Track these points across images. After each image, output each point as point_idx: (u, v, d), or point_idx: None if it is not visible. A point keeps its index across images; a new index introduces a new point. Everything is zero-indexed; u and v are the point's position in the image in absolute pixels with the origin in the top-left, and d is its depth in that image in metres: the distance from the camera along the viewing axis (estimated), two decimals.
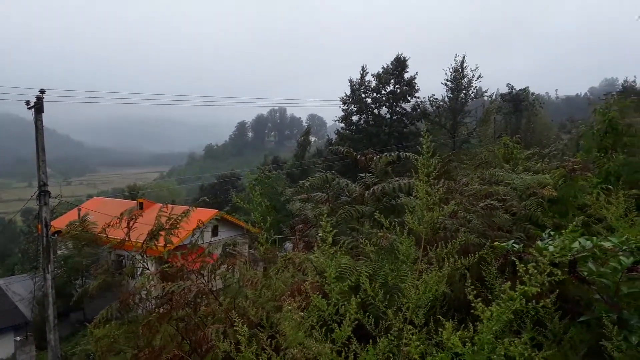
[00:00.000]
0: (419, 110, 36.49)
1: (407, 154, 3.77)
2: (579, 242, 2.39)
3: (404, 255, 2.32)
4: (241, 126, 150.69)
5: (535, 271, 1.55)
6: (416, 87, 36.30)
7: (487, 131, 25.97)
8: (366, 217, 3.76)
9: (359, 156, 4.29)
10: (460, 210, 3.83)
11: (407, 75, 36.14)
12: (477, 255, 2.49)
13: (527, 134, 27.21)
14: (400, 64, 35.77)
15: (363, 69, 37.17)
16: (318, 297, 2.20)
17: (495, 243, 2.74)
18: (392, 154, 3.31)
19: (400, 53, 36.15)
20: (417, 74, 36.12)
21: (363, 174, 4.23)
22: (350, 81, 37.34)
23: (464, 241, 3.41)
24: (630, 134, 6.11)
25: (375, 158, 4.08)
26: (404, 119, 36.74)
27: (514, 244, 2.63)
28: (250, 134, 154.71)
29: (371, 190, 3.84)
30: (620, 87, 39.75)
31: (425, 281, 1.95)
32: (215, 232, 20.25)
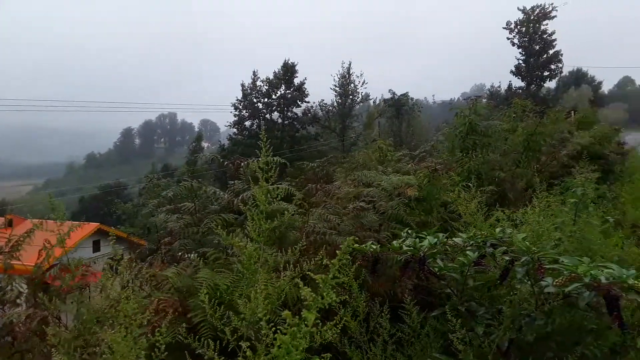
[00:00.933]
0: (309, 114, 37.25)
1: (277, 158, 3.69)
2: (428, 240, 2.47)
3: (245, 265, 2.21)
4: (127, 133, 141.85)
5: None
6: (306, 92, 37.06)
7: (372, 134, 27.24)
8: (235, 226, 3.61)
9: (226, 163, 4.13)
10: (331, 214, 3.84)
11: (297, 81, 36.74)
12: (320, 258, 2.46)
13: (407, 137, 29.05)
14: (289, 69, 36.28)
15: (254, 73, 37.11)
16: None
17: (355, 245, 2.74)
18: (260, 159, 3.21)
19: (287, 59, 36.70)
20: (306, 79, 36.90)
21: (233, 182, 4.09)
22: (242, 86, 37.05)
23: (328, 243, 3.43)
24: (488, 135, 6.67)
25: (243, 164, 3.98)
26: (295, 123, 37.27)
27: (372, 244, 2.66)
28: (137, 141, 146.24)
29: (240, 197, 3.71)
30: (487, 92, 44.27)
31: (258, 292, 1.84)
32: (97, 247, 18.82)
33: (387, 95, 36.11)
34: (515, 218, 3.84)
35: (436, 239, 2.45)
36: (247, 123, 37.18)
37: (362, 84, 36.51)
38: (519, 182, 6.00)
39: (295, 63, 36.76)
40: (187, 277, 2.57)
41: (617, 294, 1.85)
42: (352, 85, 36.51)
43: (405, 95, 35.94)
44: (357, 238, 2.03)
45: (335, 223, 3.78)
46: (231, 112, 37.19)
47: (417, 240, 2.50)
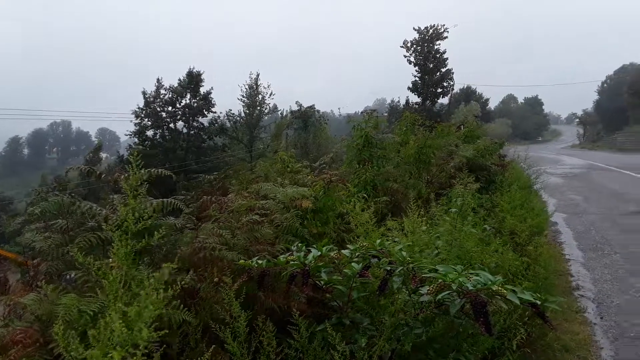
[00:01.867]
0: (216, 125, 36.46)
1: (162, 170, 3.49)
2: (313, 253, 2.46)
3: (108, 290, 2.02)
4: (14, 142, 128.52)
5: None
6: (213, 102, 36.26)
7: (280, 145, 27.30)
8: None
9: (102, 175, 3.83)
10: (223, 228, 3.71)
11: (203, 90, 35.84)
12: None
13: (314, 148, 29.52)
14: (194, 78, 35.30)
15: (158, 80, 35.57)
16: None
17: (241, 261, 2.66)
18: (144, 171, 3.00)
19: (192, 67, 35.69)
20: (212, 88, 36.13)
21: (112, 196, 3.80)
22: (144, 94, 35.28)
23: (219, 259, 3.30)
24: (383, 147, 6.92)
25: (124, 177, 3.71)
26: (201, 133, 36.25)
27: (258, 260, 2.59)
28: (26, 151, 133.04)
29: (105, 216, 3.43)
30: (388, 106, 46.65)
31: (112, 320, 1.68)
32: None
33: (295, 107, 36.51)
34: (405, 227, 3.99)
35: (320, 252, 2.44)
36: (150, 132, 35.44)
37: (270, 95, 36.60)
38: (410, 193, 6.28)
39: (201, 72, 35.89)
40: (49, 304, 2.31)
41: (484, 300, 1.95)
42: (260, 96, 36.43)
43: (311, 107, 36.55)
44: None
45: (227, 238, 3.65)
46: (132, 120, 35.25)
47: (302, 254, 2.48)
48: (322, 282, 2.54)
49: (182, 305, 2.33)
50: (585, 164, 23.67)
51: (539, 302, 1.98)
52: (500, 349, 2.77)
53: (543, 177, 12.14)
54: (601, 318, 3.94)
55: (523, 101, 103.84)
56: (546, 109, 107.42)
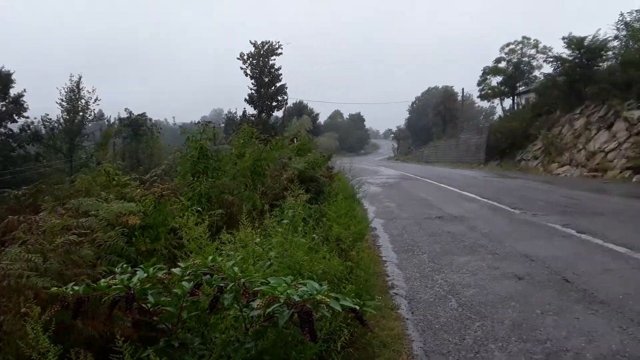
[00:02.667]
0: (29, 131, 31.90)
1: None
2: (138, 275, 2.33)
3: None
4: None
5: None
6: (25, 106, 31.69)
7: (106, 156, 25.06)
8: None
9: None
10: (32, 252, 3.27)
11: (13, 92, 31.09)
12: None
13: (146, 159, 27.82)
14: (2, 79, 30.40)
15: None
16: None
17: (53, 289, 2.39)
18: None
19: (1, 66, 30.76)
20: (25, 90, 31.58)
21: None
22: None
23: (27, 287, 2.91)
24: (219, 159, 6.88)
25: None
26: (10, 141, 31.32)
27: (73, 286, 2.35)
28: None
29: None
30: (225, 117, 46.53)
31: None
32: None
33: (124, 115, 33.96)
34: (239, 240, 4.02)
35: (146, 274, 2.32)
36: None
37: (95, 101, 33.44)
38: (246, 205, 6.35)
39: (11, 72, 31.11)
40: None
41: (309, 310, 2.08)
42: (82, 100, 33.03)
43: (143, 115, 34.43)
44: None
45: (37, 262, 3.23)
46: None
47: (127, 277, 2.33)
48: (149, 305, 2.41)
49: None
50: (398, 174, 26.79)
51: (357, 307, 2.19)
52: (327, 351, 2.97)
53: (364, 187, 13.40)
54: (412, 313, 4.48)
55: (348, 117, 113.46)
56: (367, 124, 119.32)
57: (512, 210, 10.74)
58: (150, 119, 35.19)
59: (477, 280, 5.42)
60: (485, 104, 61.54)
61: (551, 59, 31.18)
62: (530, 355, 3.52)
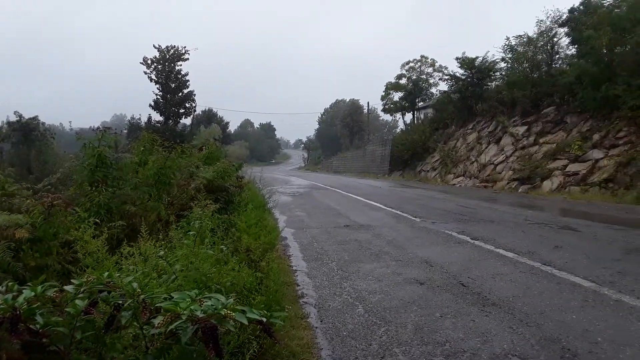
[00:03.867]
0: None
1: None
2: (25, 294, 2.13)
3: None
4: None
5: None
6: None
7: None
8: None
9: None
10: None
11: None
12: None
13: (39, 166, 25.46)
14: None
15: None
16: None
17: None
18: None
19: None
20: None
21: None
22: None
23: None
24: (119, 168, 6.50)
25: None
26: None
27: None
28: None
29: None
30: (128, 123, 44.15)
31: None
32: None
33: (14, 118, 30.80)
34: (142, 253, 3.82)
35: (34, 293, 2.13)
36: None
37: None
38: (150, 215, 6.06)
39: None
40: None
41: (214, 325, 2.03)
42: None
43: (34, 119, 31.51)
44: None
45: None
46: None
47: (11, 296, 2.11)
48: (38, 326, 2.21)
49: None
50: (309, 184, 27.17)
51: (264, 320, 2.18)
52: None
53: (275, 196, 13.42)
54: (321, 321, 4.53)
55: (259, 126, 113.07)
56: (278, 134, 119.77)
57: (414, 218, 11.36)
58: (44, 123, 32.31)
59: (382, 286, 5.64)
60: (388, 118, 64.82)
61: (447, 77, 33.80)
62: (431, 357, 3.71)
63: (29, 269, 3.93)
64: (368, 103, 56.50)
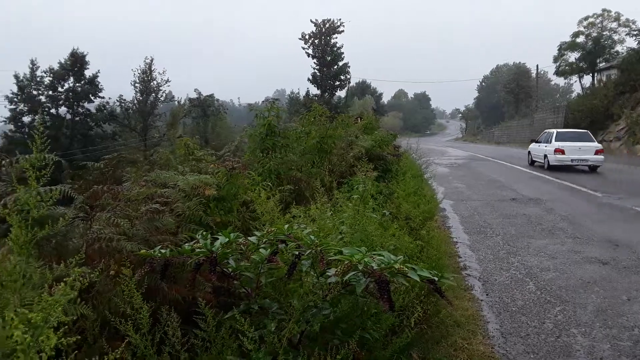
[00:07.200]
0: (105, 111, 33.91)
1: (51, 156, 3.18)
2: (220, 240, 2.41)
3: (4, 283, 1.83)
4: None
5: None
6: (100, 87, 33.65)
7: (177, 134, 26.22)
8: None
9: None
10: (120, 217, 3.48)
11: (88, 73, 33.06)
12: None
13: (213, 137, 28.85)
14: (77, 60, 32.38)
15: (32, 62, 32.10)
16: None
17: (142, 251, 2.52)
18: (26, 157, 2.71)
19: (76, 48, 32.73)
20: (99, 71, 33.49)
21: None
22: (17, 77, 31.58)
23: (117, 250, 3.10)
24: (286, 136, 6.95)
25: (5, 162, 3.34)
26: (88, 120, 33.49)
27: (160, 249, 2.47)
28: None
29: (2, 202, 3.09)
30: (288, 97, 47.13)
31: (17, 315, 1.53)
32: None
33: (193, 95, 35.24)
34: (310, 214, 4.06)
35: (227, 239, 2.39)
36: (27, 119, 31.94)
37: (166, 82, 34.84)
38: (313, 181, 6.39)
39: (85, 53, 33.06)
40: None
41: (387, 279, 2.05)
42: (154, 82, 34.56)
43: (211, 96, 35.58)
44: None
45: (125, 228, 3.44)
46: (6, 106, 31.50)
47: (209, 241, 2.41)
48: (230, 270, 2.50)
49: (79, 300, 2.16)
50: (467, 155, 25.89)
51: (436, 279, 2.13)
52: (399, 326, 2.94)
53: (432, 167, 13.08)
54: (487, 295, 4.34)
55: (413, 96, 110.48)
56: (433, 104, 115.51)
57: (593, 192, 10.08)
58: (218, 100, 36.30)
59: (557, 264, 5.15)
60: (560, 82, 57.87)
61: (635, 32, 28.65)
62: (616, 341, 3.31)
63: (215, 224, 4.46)
64: (537, 66, 50.54)
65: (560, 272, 4.85)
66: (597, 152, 14.94)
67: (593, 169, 15.02)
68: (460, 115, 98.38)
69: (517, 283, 4.62)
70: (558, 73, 41.92)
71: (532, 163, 17.42)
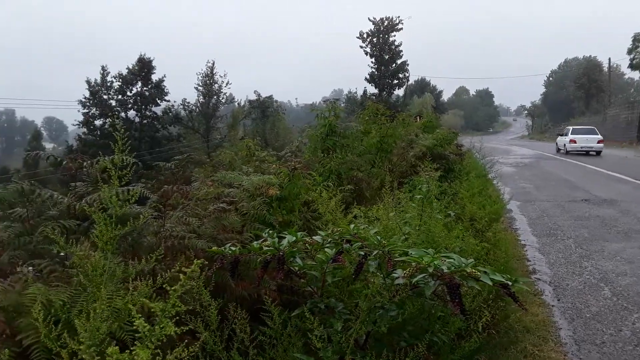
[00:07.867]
0: (170, 114, 35.49)
1: (130, 158, 3.37)
2: (287, 239, 2.45)
3: (89, 277, 1.96)
4: None
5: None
6: (166, 90, 35.26)
7: (237, 135, 26.94)
8: (79, 234, 3.20)
9: (64, 162, 3.67)
10: (190, 216, 3.63)
11: (155, 77, 34.75)
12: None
13: (272, 138, 29.38)
14: (145, 65, 34.09)
15: (103, 68, 34.17)
16: None
17: (214, 248, 2.61)
18: (107, 158, 2.89)
19: (143, 53, 34.48)
20: (165, 76, 35.08)
21: (74, 184, 3.63)
22: (89, 82, 33.72)
23: (188, 247, 3.23)
24: (346, 136, 6.96)
25: (87, 163, 3.57)
26: (155, 123, 35.20)
27: (231, 247, 2.55)
28: None
29: (84, 201, 3.30)
30: (345, 96, 47.09)
31: (101, 308, 1.63)
32: None
33: (253, 97, 36.09)
34: (371, 215, 4.04)
35: (295, 238, 2.43)
36: (99, 122, 34.04)
37: (227, 84, 35.97)
38: (374, 181, 6.36)
39: (152, 58, 34.75)
40: (15, 294, 2.19)
41: (458, 282, 2.01)
42: (216, 85, 35.76)
43: (270, 97, 36.25)
44: None
45: (195, 226, 3.58)
46: (79, 110, 33.75)
47: (277, 240, 2.46)
48: (297, 268, 2.54)
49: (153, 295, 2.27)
50: (534, 154, 24.74)
51: (510, 283, 2.06)
52: (467, 331, 2.86)
53: (496, 167, 12.61)
54: (558, 300, 4.13)
55: (475, 93, 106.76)
56: (496, 101, 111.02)
57: None
58: (276, 101, 36.92)
59: (635, 269, 4.82)
60: (635, 75, 53.98)
61: None
62: None
63: (278, 223, 4.55)
64: (609, 59, 47.35)
65: (638, 277, 4.54)
66: (599, 142, 21.82)
67: (598, 153, 21.29)
68: (526, 112, 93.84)
69: (591, 288, 4.37)
70: (632, 66, 39.27)
71: (557, 150, 24.27)
